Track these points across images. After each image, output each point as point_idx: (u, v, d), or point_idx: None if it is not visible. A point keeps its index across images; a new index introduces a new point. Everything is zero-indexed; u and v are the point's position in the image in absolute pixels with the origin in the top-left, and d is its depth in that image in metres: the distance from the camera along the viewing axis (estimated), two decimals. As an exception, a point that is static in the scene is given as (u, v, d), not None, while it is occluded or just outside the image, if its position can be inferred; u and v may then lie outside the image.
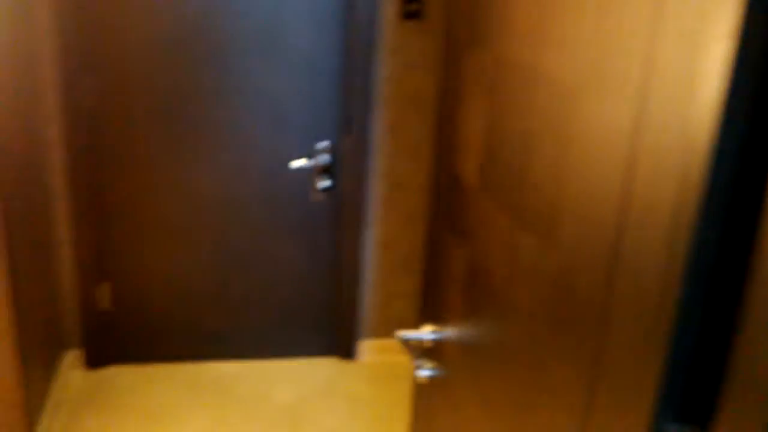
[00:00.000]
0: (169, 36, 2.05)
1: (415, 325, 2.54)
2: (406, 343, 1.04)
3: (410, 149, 2.27)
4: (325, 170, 2.22)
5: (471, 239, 0.87)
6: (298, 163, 2.20)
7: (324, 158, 2.21)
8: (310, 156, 2.21)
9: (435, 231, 1.03)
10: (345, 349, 2.45)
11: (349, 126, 2.18)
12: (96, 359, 2.32)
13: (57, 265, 2.20)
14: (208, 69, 2.09)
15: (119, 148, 2.14)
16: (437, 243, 1.02)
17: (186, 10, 2.03)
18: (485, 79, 0.82)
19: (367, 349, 2.46)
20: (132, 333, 2.35)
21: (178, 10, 2.03)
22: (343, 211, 2.28)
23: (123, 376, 2.32)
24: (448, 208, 0.97)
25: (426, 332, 1.04)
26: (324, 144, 2.21)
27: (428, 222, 1.08)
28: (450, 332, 0.96)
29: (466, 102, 0.88)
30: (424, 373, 1.03)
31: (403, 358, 2.49)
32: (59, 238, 2.18)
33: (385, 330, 2.48)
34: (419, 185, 2.31)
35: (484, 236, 0.83)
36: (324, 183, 2.23)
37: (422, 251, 2.42)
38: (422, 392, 1.10)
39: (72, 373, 2.29)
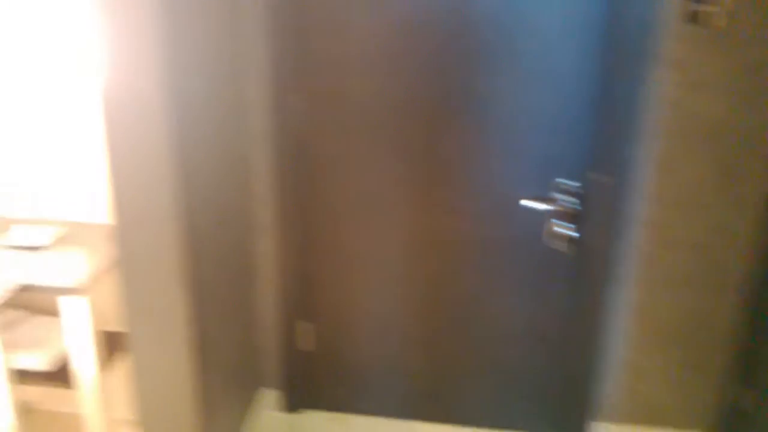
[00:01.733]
0: (387, 50, 1.73)
1: (671, 415, 1.99)
2: None
3: (688, 194, 1.72)
4: (568, 214, 1.76)
5: None
6: (532, 203, 1.77)
7: (567, 199, 1.75)
8: (548, 195, 1.77)
9: None
10: (574, 431, 1.98)
11: (605, 162, 1.70)
12: (293, 402, 2.12)
13: (258, 300, 2.02)
14: (430, 86, 1.74)
15: (327, 176, 1.88)
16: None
17: (407, 18, 1.69)
18: None
19: (604, 434, 1.97)
20: (333, 378, 2.11)
21: (397, 19, 1.70)
22: (587, 264, 1.81)
23: (320, 423, 2.10)
24: None
25: None
26: (568, 182, 1.75)
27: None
28: None
29: None
30: None
31: (651, 452, 1.96)
32: (262, 271, 1.99)
33: (630, 414, 1.96)
34: (695, 242, 1.75)
35: None
36: (564, 229, 1.77)
37: (688, 322, 1.86)
38: None
39: (267, 414, 2.12)
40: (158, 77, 1.34)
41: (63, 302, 1.75)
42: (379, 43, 1.74)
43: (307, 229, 1.95)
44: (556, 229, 1.78)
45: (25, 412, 2.16)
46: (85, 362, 1.81)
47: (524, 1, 1.64)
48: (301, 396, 2.11)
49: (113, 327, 2.03)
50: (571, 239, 1.78)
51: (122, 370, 1.98)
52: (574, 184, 1.75)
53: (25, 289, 1.67)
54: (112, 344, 1.96)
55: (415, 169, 1.83)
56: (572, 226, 1.77)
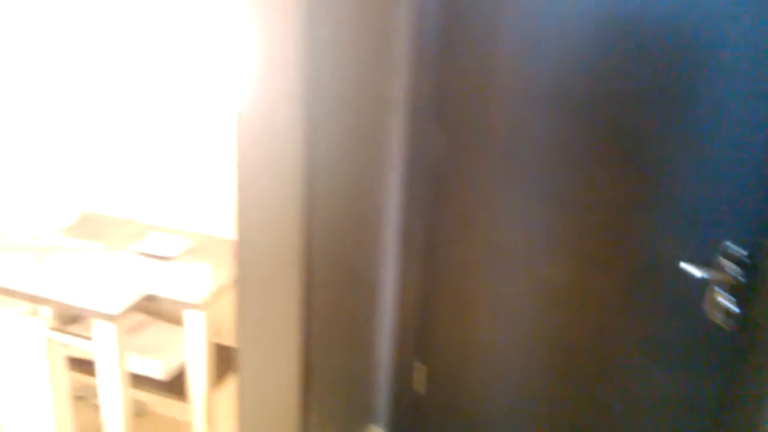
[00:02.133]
0: (537, 85, 1.60)
1: None
2: None
3: None
4: (732, 284, 1.54)
5: None
6: (692, 268, 1.56)
7: (733, 267, 1.53)
8: (712, 259, 1.56)
9: None
10: None
11: (785, 230, 1.47)
12: (400, 446, 2.01)
13: (376, 334, 1.93)
14: (583, 126, 1.59)
15: (460, 214, 1.77)
16: None
17: (559, 52, 1.56)
18: None
19: None
20: (445, 424, 1.98)
21: (548, 53, 1.57)
22: (750, 348, 1.57)
23: (425, 474, 1.97)
24: None
25: None
26: (736, 247, 1.53)
27: None
28: None
29: None
30: None
31: None
32: (382, 306, 1.90)
33: None
34: None
35: None
36: (726, 301, 1.55)
37: None
38: None
39: (372, 455, 2.02)
40: (296, 99, 1.30)
41: (185, 315, 1.75)
42: (528, 78, 1.61)
43: (433, 266, 1.84)
44: (718, 299, 1.56)
45: (139, 413, 2.19)
46: (198, 375, 1.80)
47: (704, 37, 1.46)
48: (408, 441, 2.00)
49: (231, 342, 2.02)
50: (731, 313, 1.55)
51: (232, 386, 1.96)
52: (743, 251, 1.52)
53: (150, 299, 1.68)
54: (228, 359, 1.95)
55: (559, 216, 1.68)
56: (734, 299, 1.54)
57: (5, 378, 1.81)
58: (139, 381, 1.92)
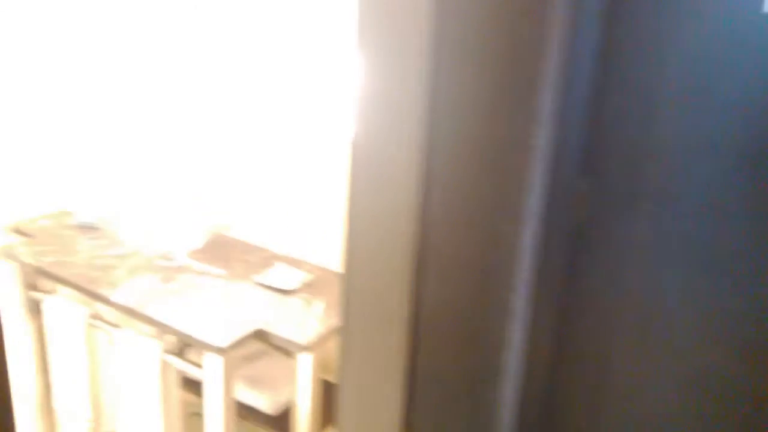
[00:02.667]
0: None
1: None
2: None
3: None
4: None
5: None
6: None
7: None
8: None
9: None
10: None
11: None
12: None
13: (497, 403, 1.76)
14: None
15: (603, 274, 1.56)
16: None
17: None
18: None
19: None
20: None
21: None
22: None
23: None
24: None
25: None
26: None
27: None
28: None
29: None
30: None
31: None
32: (505, 370, 1.73)
33: None
34: None
35: None
36: None
37: None
38: None
39: None
40: (416, 135, 1.19)
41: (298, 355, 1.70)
42: (700, 128, 1.39)
43: (568, 332, 1.64)
44: None
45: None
46: (305, 416, 1.74)
47: None
48: None
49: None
50: None
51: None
52: None
53: (261, 334, 1.65)
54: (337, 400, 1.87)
55: (733, 294, 1.42)
56: None
57: (124, 392, 1.86)
58: (247, 412, 1.90)
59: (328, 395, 1.87)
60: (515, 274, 1.63)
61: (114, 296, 1.77)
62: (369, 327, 1.40)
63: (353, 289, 1.39)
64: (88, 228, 2.08)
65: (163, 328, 1.68)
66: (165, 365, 1.75)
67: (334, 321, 1.68)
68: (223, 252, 2.05)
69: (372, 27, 1.15)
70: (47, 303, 1.96)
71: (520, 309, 1.66)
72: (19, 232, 2.15)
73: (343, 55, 1.88)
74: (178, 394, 1.84)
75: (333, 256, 1.98)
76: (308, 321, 1.68)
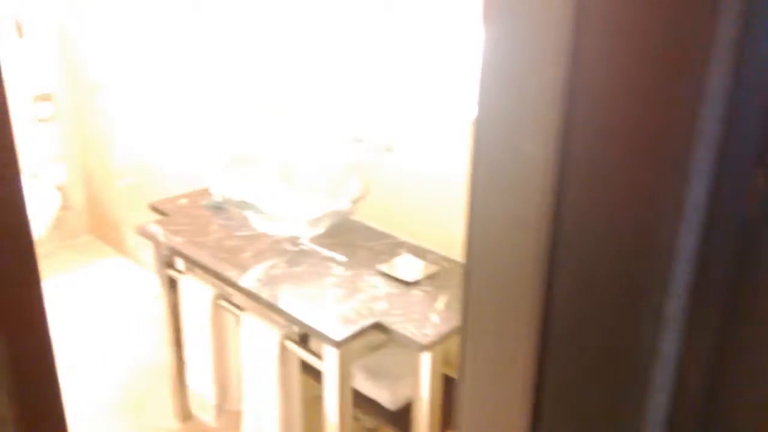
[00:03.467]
0: None
1: None
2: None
3: None
4: None
5: None
6: None
7: None
8: None
9: None
10: None
11: None
12: None
13: (636, 421, 1.56)
14: None
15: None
16: None
17: None
18: None
19: None
20: None
21: None
22: None
23: None
24: None
25: None
26: None
27: None
28: None
29: None
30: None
31: None
32: (654, 385, 1.53)
33: None
34: None
35: None
36: None
37: None
38: None
39: None
40: (550, 117, 1.03)
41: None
42: None
43: (732, 344, 1.41)
44: None
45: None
46: (425, 414, 1.64)
47: None
48: None
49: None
50: None
51: None
52: None
53: (380, 327, 1.57)
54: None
55: None
56: None
57: (247, 374, 1.86)
58: (367, 404, 1.84)
59: (449, 392, 1.76)
60: (672, 278, 1.40)
61: (240, 279, 1.77)
62: (491, 329, 1.26)
63: (475, 287, 1.26)
64: (220, 209, 2.11)
65: (283, 316, 1.65)
66: (285, 351, 1.72)
67: (458, 318, 1.56)
68: (348, 237, 1.99)
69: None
70: (182, 281, 2.01)
71: (675, 316, 1.44)
72: (156, 210, 2.22)
73: (466, 26, 1.74)
74: (298, 379, 1.81)
75: (460, 247, 1.86)
76: (430, 317, 1.57)
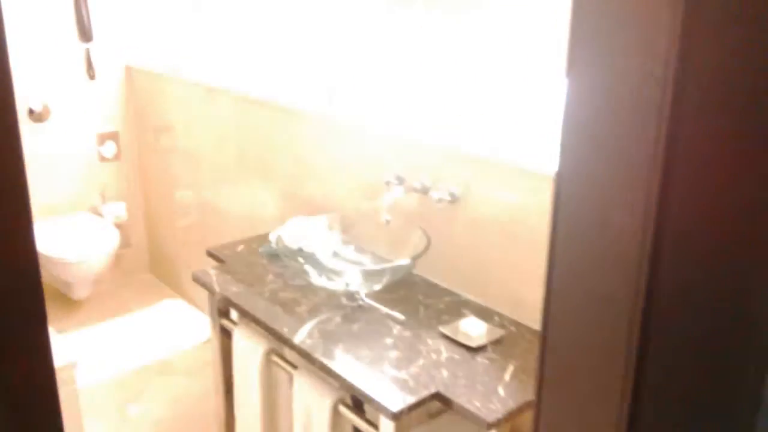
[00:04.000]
0: None
1: None
2: None
3: None
4: None
5: None
6: None
7: None
8: None
9: None
10: None
11: None
12: None
13: None
14: None
15: None
16: None
17: None
18: None
19: None
20: None
21: None
22: None
23: None
24: None
25: None
26: None
27: None
28: None
29: None
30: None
31: None
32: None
33: None
34: None
35: None
36: None
37: None
38: None
39: None
40: (648, 174, 0.91)
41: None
42: None
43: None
44: None
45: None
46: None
47: None
48: None
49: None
50: None
51: None
52: None
53: (440, 398, 1.44)
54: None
55: None
56: None
57: (297, 437, 1.76)
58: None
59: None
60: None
61: (294, 336, 1.68)
62: (571, 413, 1.12)
63: (553, 365, 1.13)
64: (277, 257, 2.04)
65: (337, 379, 1.54)
66: (338, 416, 1.62)
67: (528, 392, 1.43)
68: (408, 293, 1.88)
69: (593, 15, 0.89)
70: (235, 333, 1.93)
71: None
72: (213, 256, 2.17)
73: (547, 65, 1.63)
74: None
75: (530, 310, 1.73)
76: (496, 389, 1.44)
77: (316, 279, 1.79)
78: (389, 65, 2.11)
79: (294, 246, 1.98)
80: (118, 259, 3.24)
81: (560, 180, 1.05)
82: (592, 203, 1.01)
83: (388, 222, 1.90)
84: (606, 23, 0.88)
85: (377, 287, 1.78)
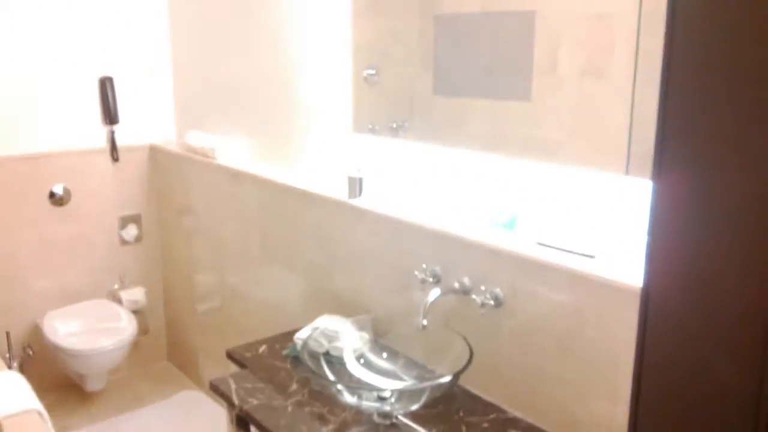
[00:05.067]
0: None
1: None
2: None
3: None
4: None
5: None
6: None
7: None
8: None
9: None
10: None
11: None
12: None
13: None
14: None
15: None
16: None
17: None
18: None
19: None
20: None
21: None
22: None
23: None
24: None
25: None
26: None
27: None
28: None
29: None
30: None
31: None
32: None
33: None
34: None
35: None
36: None
37: None
38: None
39: None
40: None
41: None
42: None
43: None
44: None
45: None
46: None
47: None
48: None
49: None
50: None
51: None
52: None
53: None
54: None
55: None
56: None
57: None
58: None
59: None
60: None
61: (319, 461, 1.48)
62: None
63: None
64: (301, 360, 1.86)
65: None
66: None
67: None
68: (447, 408, 1.68)
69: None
70: (253, 449, 1.74)
71: None
72: (233, 359, 2.00)
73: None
74: None
75: (582, 429, 1.51)
76: None
77: (348, 398, 1.59)
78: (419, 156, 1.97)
79: (320, 349, 1.81)
80: (135, 346, 3.08)
81: (647, 281, 0.86)
82: (689, 346, 0.83)
83: (424, 327, 1.71)
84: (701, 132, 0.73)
85: (414, 407, 1.59)
